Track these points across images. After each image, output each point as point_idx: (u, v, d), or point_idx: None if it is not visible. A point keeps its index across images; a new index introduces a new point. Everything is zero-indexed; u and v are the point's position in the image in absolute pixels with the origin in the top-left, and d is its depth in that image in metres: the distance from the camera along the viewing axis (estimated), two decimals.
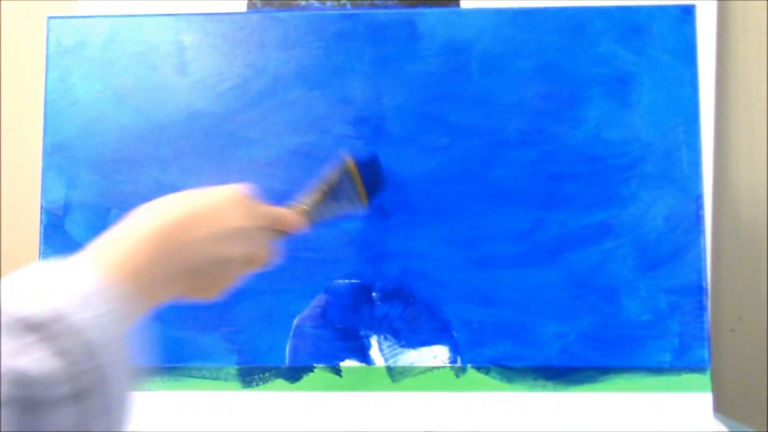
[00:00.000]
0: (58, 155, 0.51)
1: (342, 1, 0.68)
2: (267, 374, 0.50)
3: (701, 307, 0.49)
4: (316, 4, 0.68)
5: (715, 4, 0.72)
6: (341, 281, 0.50)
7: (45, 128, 0.52)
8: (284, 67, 0.51)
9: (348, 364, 0.50)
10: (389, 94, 0.51)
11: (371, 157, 0.48)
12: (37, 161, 0.52)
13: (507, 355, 0.49)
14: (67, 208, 0.51)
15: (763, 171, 0.76)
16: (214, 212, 0.35)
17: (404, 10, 0.52)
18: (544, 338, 0.49)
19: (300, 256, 0.50)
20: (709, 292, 0.58)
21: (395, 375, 0.49)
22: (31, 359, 0.24)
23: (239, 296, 0.50)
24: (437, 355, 0.49)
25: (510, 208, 0.50)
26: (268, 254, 0.39)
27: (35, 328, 0.24)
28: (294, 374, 0.50)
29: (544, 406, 0.49)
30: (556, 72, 0.50)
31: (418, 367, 0.49)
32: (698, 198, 0.49)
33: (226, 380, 0.50)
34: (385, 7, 0.68)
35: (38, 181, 0.51)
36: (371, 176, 0.47)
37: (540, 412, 0.49)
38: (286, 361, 0.50)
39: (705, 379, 0.48)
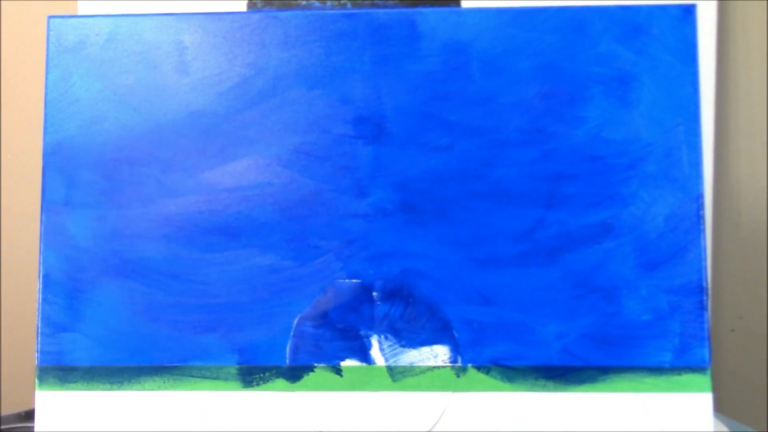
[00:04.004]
0: (58, 155, 0.51)
1: (342, 1, 0.68)
2: (267, 374, 0.50)
3: (702, 307, 0.49)
4: (317, 3, 0.68)
5: (715, 4, 0.73)
6: (341, 281, 0.50)
7: (45, 128, 0.52)
8: (285, 66, 0.51)
9: (348, 363, 0.50)
10: (389, 94, 0.51)
11: None
12: (37, 161, 0.52)
13: (507, 355, 0.49)
14: (67, 208, 0.51)
15: (763, 171, 0.76)
16: None
17: (404, 10, 0.52)
18: (544, 338, 0.49)
19: (300, 255, 0.50)
20: (709, 292, 0.58)
21: (396, 375, 0.49)
22: None
23: (239, 296, 0.50)
24: (438, 354, 0.49)
25: (510, 207, 0.50)
26: None
27: None
28: (294, 374, 0.50)
29: (545, 406, 0.49)
30: (557, 72, 0.50)
31: (419, 366, 0.49)
32: (698, 198, 0.49)
33: (226, 380, 0.50)
34: (386, 7, 0.68)
35: (38, 181, 0.51)
36: None
37: (540, 412, 0.49)
38: (287, 361, 0.50)
39: (705, 379, 0.48)
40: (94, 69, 0.52)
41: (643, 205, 0.49)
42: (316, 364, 0.50)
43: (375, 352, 0.50)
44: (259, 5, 0.71)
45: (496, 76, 0.51)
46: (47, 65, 0.52)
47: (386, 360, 0.50)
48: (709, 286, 0.69)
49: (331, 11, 0.53)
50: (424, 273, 0.50)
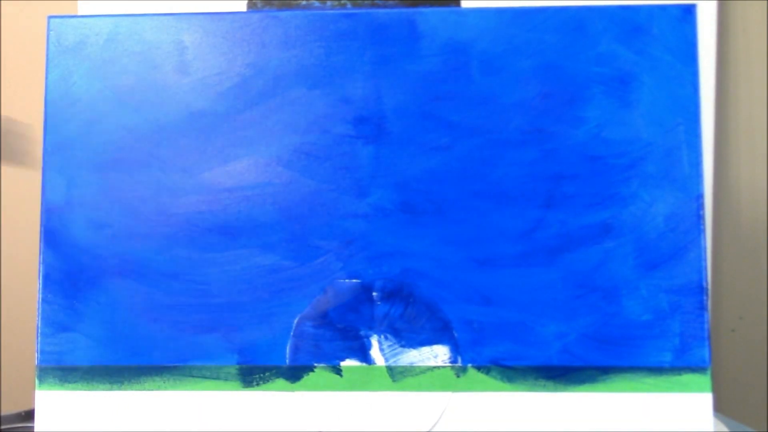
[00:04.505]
0: (59, 155, 0.51)
1: (342, 1, 0.68)
2: (267, 374, 0.50)
3: (702, 307, 0.49)
4: (317, 3, 0.68)
5: (715, 4, 0.73)
6: (341, 281, 0.50)
7: (45, 128, 0.52)
8: (285, 66, 0.51)
9: (348, 363, 0.50)
10: (389, 94, 0.51)
11: None
12: (37, 161, 0.52)
13: (507, 355, 0.49)
14: (67, 208, 0.51)
15: (763, 171, 0.76)
16: None
17: (404, 10, 0.52)
18: (544, 338, 0.49)
19: (300, 255, 0.50)
20: (710, 292, 0.58)
21: (395, 375, 0.49)
22: None
23: (239, 296, 0.50)
24: (438, 354, 0.49)
25: (510, 207, 0.50)
26: None
27: None
28: (294, 374, 0.50)
29: (545, 406, 0.49)
30: (557, 72, 0.50)
31: (419, 366, 0.49)
32: (699, 197, 0.49)
33: (226, 380, 0.50)
34: (386, 7, 0.68)
35: (38, 181, 0.51)
36: None
37: (540, 412, 0.49)
38: (287, 361, 0.50)
39: (705, 379, 0.48)
40: (94, 69, 0.52)
41: (643, 205, 0.49)
42: (316, 364, 0.50)
43: (375, 352, 0.50)
44: (259, 5, 0.71)
45: (496, 76, 0.51)
46: (47, 65, 0.52)
47: (386, 360, 0.50)
48: (709, 286, 0.69)
49: (331, 11, 0.53)
50: (424, 273, 0.50)
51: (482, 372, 0.49)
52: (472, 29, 0.51)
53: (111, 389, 0.50)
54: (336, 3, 0.69)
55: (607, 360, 0.49)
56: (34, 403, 0.50)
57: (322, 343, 0.50)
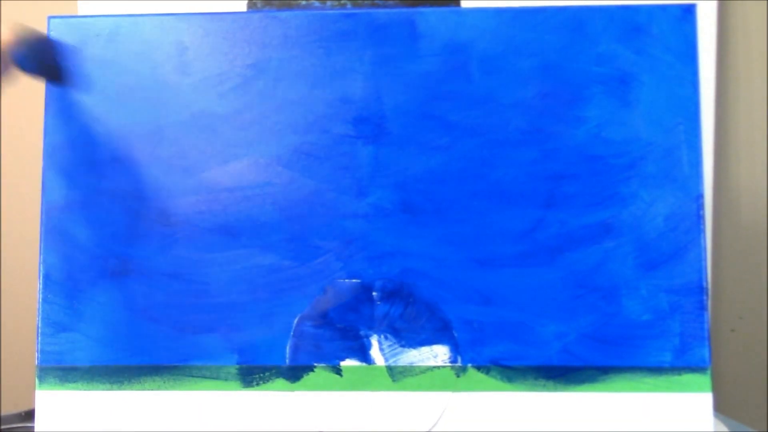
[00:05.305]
0: (59, 155, 0.51)
1: (342, 1, 0.68)
2: (267, 374, 0.50)
3: (702, 307, 0.49)
4: (317, 3, 0.68)
5: (715, 4, 0.73)
6: (341, 281, 0.50)
7: (45, 129, 0.52)
8: (285, 66, 0.51)
9: (348, 363, 0.50)
10: (389, 94, 0.51)
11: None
12: (37, 161, 0.52)
13: (507, 355, 0.49)
14: (67, 208, 0.51)
15: (763, 171, 0.76)
16: None
17: (404, 10, 0.52)
18: (544, 338, 0.49)
19: (300, 255, 0.50)
20: (710, 292, 0.58)
21: (395, 374, 0.49)
22: None
23: (239, 296, 0.50)
24: (437, 354, 0.49)
25: (510, 207, 0.50)
26: None
27: None
28: (294, 374, 0.50)
29: (544, 406, 0.49)
30: (557, 71, 0.50)
31: (419, 366, 0.49)
32: (699, 197, 0.49)
33: (226, 380, 0.50)
34: (386, 7, 0.68)
35: (38, 181, 0.51)
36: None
37: (540, 412, 0.49)
38: (287, 361, 0.50)
39: (705, 379, 0.48)
40: (95, 69, 0.52)
41: (643, 205, 0.49)
42: (316, 364, 0.50)
43: (375, 352, 0.50)
44: (259, 5, 0.71)
45: (495, 76, 0.51)
46: None
47: (386, 360, 0.50)
48: (709, 286, 0.69)
49: (331, 11, 0.53)
50: (424, 273, 0.50)
51: (482, 372, 0.49)
52: (472, 29, 0.51)
53: (111, 389, 0.50)
54: (336, 3, 0.69)
55: (607, 360, 0.49)
56: (34, 403, 0.50)
57: (322, 343, 0.50)
